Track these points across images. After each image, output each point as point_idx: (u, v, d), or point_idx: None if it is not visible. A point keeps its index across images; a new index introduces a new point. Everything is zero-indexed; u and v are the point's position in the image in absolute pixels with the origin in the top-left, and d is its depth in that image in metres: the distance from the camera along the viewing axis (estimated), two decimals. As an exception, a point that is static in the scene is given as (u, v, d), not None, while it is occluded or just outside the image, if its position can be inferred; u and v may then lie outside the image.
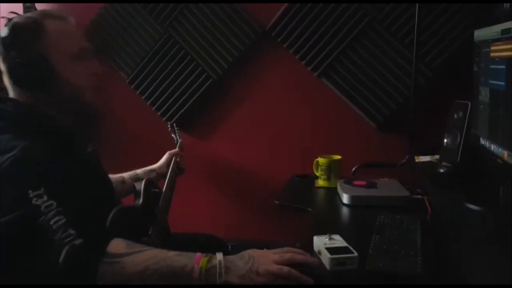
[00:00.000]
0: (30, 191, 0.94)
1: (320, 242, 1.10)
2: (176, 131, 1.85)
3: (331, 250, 1.06)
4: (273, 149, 2.35)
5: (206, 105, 2.39)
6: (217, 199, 2.46)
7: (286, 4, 2.19)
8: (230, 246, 2.13)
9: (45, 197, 0.94)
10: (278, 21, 2.21)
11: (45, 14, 1.14)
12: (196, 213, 2.44)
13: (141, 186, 1.34)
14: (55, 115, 1.12)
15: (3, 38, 1.09)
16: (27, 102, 1.11)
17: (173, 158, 1.68)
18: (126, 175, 1.59)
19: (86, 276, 0.91)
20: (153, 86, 2.36)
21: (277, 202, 1.65)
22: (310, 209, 1.54)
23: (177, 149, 1.74)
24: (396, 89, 2.12)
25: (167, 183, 1.52)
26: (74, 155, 1.11)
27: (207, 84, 2.33)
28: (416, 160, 1.86)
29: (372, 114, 2.17)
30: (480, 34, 1.46)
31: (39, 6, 2.31)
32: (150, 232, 1.26)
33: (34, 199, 0.93)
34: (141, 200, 1.31)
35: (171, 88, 2.36)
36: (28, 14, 1.14)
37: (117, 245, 0.96)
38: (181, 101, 2.36)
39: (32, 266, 0.92)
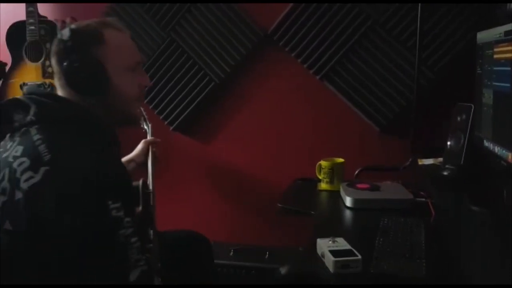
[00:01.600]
0: (110, 202, 0.94)
1: (323, 245, 1.10)
2: (145, 118, 1.75)
3: (334, 252, 1.05)
4: (276, 152, 2.35)
5: (208, 109, 2.39)
6: (219, 202, 2.46)
7: (288, 8, 2.19)
8: (232, 250, 2.13)
9: (122, 212, 0.95)
10: (280, 24, 2.21)
11: (105, 24, 1.18)
12: (198, 216, 2.44)
13: (138, 189, 1.33)
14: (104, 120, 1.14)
15: (65, 41, 1.12)
16: (81, 104, 1.12)
17: (150, 148, 1.63)
18: None
19: None
20: (155, 90, 2.36)
21: (280, 205, 1.65)
22: (313, 212, 1.53)
23: (151, 137, 1.70)
24: (399, 92, 2.12)
25: (152, 176, 1.50)
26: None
27: (209, 88, 2.33)
28: (420, 163, 1.85)
29: (374, 117, 2.16)
30: (483, 36, 1.46)
31: (41, 6, 2.32)
32: (152, 238, 1.27)
33: (114, 210, 0.95)
34: (140, 207, 1.31)
35: (174, 92, 2.36)
36: (88, 22, 1.18)
37: None
38: (183, 105, 2.36)
39: (99, 273, 0.94)
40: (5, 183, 1.00)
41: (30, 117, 1.07)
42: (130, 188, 1.06)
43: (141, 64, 1.24)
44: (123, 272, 0.95)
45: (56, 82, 1.16)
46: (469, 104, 1.61)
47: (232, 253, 2.13)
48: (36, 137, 1.03)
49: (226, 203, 2.46)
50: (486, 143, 1.41)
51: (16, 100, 1.11)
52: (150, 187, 1.42)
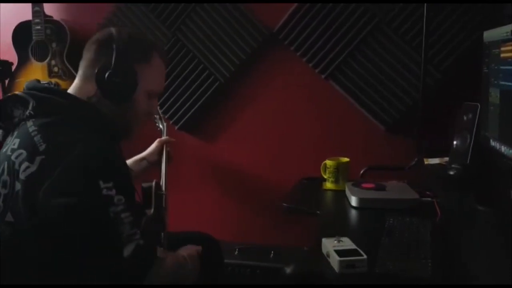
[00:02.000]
0: (100, 182, 0.98)
1: (328, 244, 1.10)
2: (161, 117, 1.77)
3: (340, 252, 1.05)
4: (281, 151, 2.34)
5: (213, 108, 2.39)
6: (224, 201, 2.46)
7: (293, 7, 2.19)
8: (237, 249, 2.13)
9: (114, 191, 0.99)
10: (285, 23, 2.21)
11: (155, 46, 1.24)
12: (202, 215, 2.44)
13: (151, 191, 1.33)
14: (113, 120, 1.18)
15: (119, 43, 1.16)
16: (92, 101, 1.16)
17: (164, 147, 1.65)
18: None
19: (139, 274, 1.02)
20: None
21: (285, 204, 1.64)
22: (318, 211, 1.53)
23: (166, 136, 1.71)
24: (405, 91, 2.11)
25: (165, 176, 1.51)
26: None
27: (214, 87, 2.33)
28: (425, 163, 1.85)
29: (380, 116, 2.15)
30: (490, 35, 1.45)
31: (47, 6, 2.33)
32: (162, 241, 1.27)
33: (105, 190, 0.98)
34: (152, 210, 1.31)
35: (179, 91, 2.36)
36: (142, 37, 1.26)
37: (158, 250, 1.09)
38: (188, 104, 2.36)
39: (93, 251, 0.99)
40: (5, 176, 1.04)
41: (28, 111, 1.10)
42: (122, 170, 1.09)
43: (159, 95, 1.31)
44: (117, 247, 0.98)
45: (80, 76, 1.19)
46: (475, 103, 1.60)
47: (237, 252, 2.13)
48: (31, 129, 1.06)
49: (231, 202, 2.46)
50: (492, 143, 1.41)
51: (15, 96, 1.14)
52: (163, 188, 1.43)
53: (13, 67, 2.35)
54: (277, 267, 2.00)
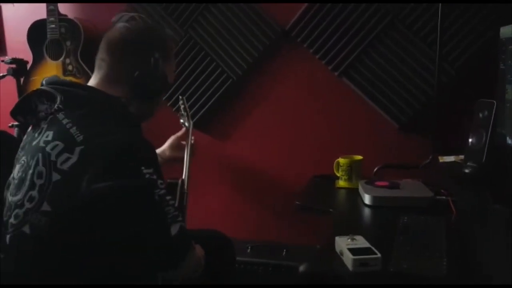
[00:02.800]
0: (143, 168, 1.03)
1: (342, 242, 1.09)
2: (189, 115, 1.76)
3: (353, 251, 1.04)
4: (293, 149, 2.34)
5: (225, 106, 2.39)
6: (236, 199, 2.46)
7: (306, 4, 2.18)
8: (249, 247, 2.13)
9: (155, 176, 1.04)
10: (298, 21, 2.20)
11: (173, 39, 1.33)
12: (215, 213, 2.45)
13: (176, 188, 1.34)
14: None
15: (161, 43, 1.22)
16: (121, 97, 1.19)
17: (189, 144, 1.66)
18: None
19: (182, 255, 1.07)
20: (173, 87, 2.37)
21: (297, 202, 1.64)
22: (331, 210, 1.52)
23: (185, 130, 1.72)
24: (419, 89, 2.09)
25: (188, 176, 1.51)
26: None
27: (226, 85, 2.33)
28: (440, 161, 1.82)
29: (394, 114, 2.14)
30: (506, 30, 1.43)
31: (61, 5, 2.35)
32: None
33: (147, 174, 1.03)
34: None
35: (191, 89, 2.37)
36: (160, 31, 1.28)
37: None
38: (201, 102, 2.37)
39: (142, 231, 1.03)
40: (41, 167, 1.07)
41: (57, 105, 1.13)
42: (157, 159, 1.13)
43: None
44: (164, 226, 1.03)
45: (102, 68, 1.21)
46: (491, 101, 1.58)
47: (249, 250, 2.13)
48: (65, 121, 1.10)
49: (244, 200, 2.46)
50: (509, 140, 1.38)
51: (41, 90, 1.17)
52: (185, 187, 1.44)
53: (28, 65, 2.38)
54: (290, 265, 2.00)
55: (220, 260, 1.54)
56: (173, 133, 1.76)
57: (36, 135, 1.13)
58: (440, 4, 1.86)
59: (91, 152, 1.04)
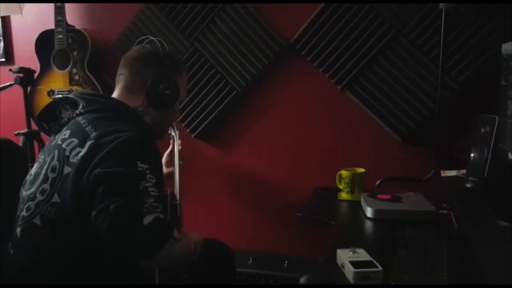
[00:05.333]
0: (138, 162, 1.11)
1: (343, 255, 1.10)
2: (173, 125, 1.77)
3: (354, 264, 1.05)
4: (296, 161, 2.35)
5: (229, 117, 2.41)
6: (239, 210, 2.47)
7: (310, 18, 2.20)
8: (251, 258, 2.13)
9: (148, 172, 1.11)
10: (302, 34, 2.22)
11: (183, 60, 1.45)
12: (217, 223, 2.45)
13: (166, 200, 1.36)
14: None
15: (164, 59, 1.33)
16: (138, 110, 1.32)
17: (176, 157, 1.71)
18: None
19: (154, 246, 1.07)
20: (185, 101, 2.38)
21: (299, 214, 1.65)
22: (333, 222, 1.53)
23: (178, 141, 1.76)
24: (422, 103, 2.10)
25: (180, 187, 1.55)
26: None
27: (231, 96, 2.35)
28: (442, 175, 1.83)
29: (397, 127, 2.15)
30: (508, 47, 1.44)
31: (69, 16, 2.39)
32: None
33: (140, 168, 1.11)
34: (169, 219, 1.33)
35: (196, 100, 2.39)
36: (176, 53, 1.50)
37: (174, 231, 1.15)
38: (205, 113, 2.39)
39: (121, 217, 1.06)
40: (55, 162, 1.16)
41: (79, 110, 1.24)
42: (157, 160, 1.21)
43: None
44: (139, 213, 1.06)
45: (122, 82, 1.33)
46: (493, 116, 1.58)
47: (251, 261, 2.13)
48: (83, 122, 1.21)
49: (246, 211, 2.46)
50: (510, 156, 1.39)
51: (66, 97, 1.29)
52: (178, 198, 1.46)
53: (35, 75, 2.41)
54: (291, 277, 1.99)
55: (221, 271, 1.55)
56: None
57: (56, 136, 1.24)
58: (443, 17, 1.88)
59: (99, 145, 1.13)
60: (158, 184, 1.12)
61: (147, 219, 1.05)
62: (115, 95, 1.34)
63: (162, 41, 1.34)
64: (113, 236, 1.05)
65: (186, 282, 1.39)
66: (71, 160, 1.14)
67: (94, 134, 1.16)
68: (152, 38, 1.36)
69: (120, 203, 1.05)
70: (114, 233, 1.05)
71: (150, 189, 1.10)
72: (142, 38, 1.41)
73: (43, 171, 1.18)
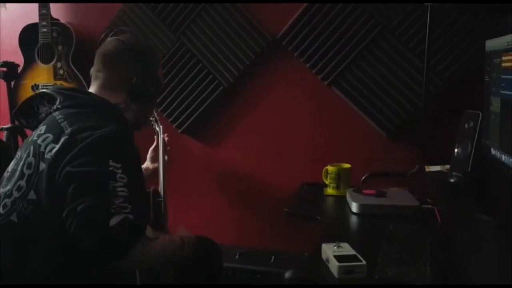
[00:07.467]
0: (110, 161, 1.09)
1: (328, 250, 1.10)
2: (157, 119, 1.82)
3: (339, 258, 1.06)
4: (283, 157, 2.35)
5: (216, 112, 2.40)
6: (225, 206, 2.47)
7: (297, 13, 2.20)
8: (238, 253, 2.14)
9: (120, 171, 1.09)
10: (289, 29, 2.22)
11: (159, 52, 1.41)
12: (204, 220, 2.45)
13: (149, 198, 1.35)
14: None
15: (141, 54, 1.30)
16: (120, 107, 1.28)
17: (160, 153, 1.72)
18: None
19: (122, 247, 1.05)
20: (164, 93, 2.38)
21: (286, 210, 1.65)
22: (319, 217, 1.54)
23: (161, 137, 1.78)
24: (407, 99, 2.12)
25: (164, 184, 1.54)
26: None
27: (218, 92, 2.34)
28: (426, 170, 1.85)
29: (382, 123, 2.16)
30: (491, 44, 1.46)
31: (53, 9, 2.35)
32: None
33: (112, 167, 1.09)
34: (152, 216, 1.32)
35: (182, 95, 2.38)
36: (150, 43, 1.47)
37: (148, 230, 1.13)
38: (191, 108, 2.38)
39: (89, 220, 1.04)
40: (31, 158, 1.15)
41: (56, 105, 1.22)
42: (133, 157, 1.18)
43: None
44: (106, 214, 1.03)
45: (101, 78, 1.29)
46: (477, 112, 1.61)
47: (237, 256, 2.13)
48: (59, 117, 1.19)
49: (232, 206, 2.47)
50: (493, 151, 1.41)
51: (43, 93, 1.26)
52: (161, 195, 1.46)
53: (19, 69, 2.38)
54: (277, 272, 2.00)
55: (207, 266, 1.55)
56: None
57: (33, 132, 1.22)
58: (428, 12, 1.89)
59: (73, 142, 1.11)
60: (130, 184, 1.10)
61: (114, 220, 1.03)
62: (92, 90, 1.30)
63: (136, 31, 1.32)
64: (81, 237, 1.04)
65: (171, 278, 1.38)
66: (45, 156, 1.12)
67: (69, 129, 1.14)
68: (124, 28, 1.35)
69: (87, 204, 1.03)
70: (81, 235, 1.04)
71: (119, 189, 1.07)
72: (113, 28, 1.39)
73: (19, 168, 1.17)
